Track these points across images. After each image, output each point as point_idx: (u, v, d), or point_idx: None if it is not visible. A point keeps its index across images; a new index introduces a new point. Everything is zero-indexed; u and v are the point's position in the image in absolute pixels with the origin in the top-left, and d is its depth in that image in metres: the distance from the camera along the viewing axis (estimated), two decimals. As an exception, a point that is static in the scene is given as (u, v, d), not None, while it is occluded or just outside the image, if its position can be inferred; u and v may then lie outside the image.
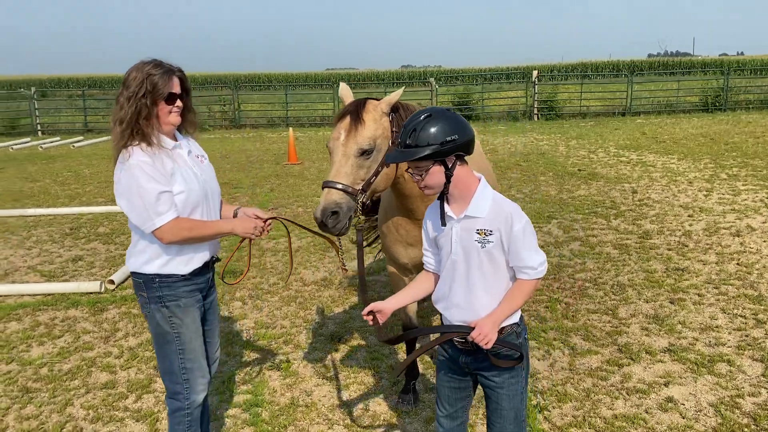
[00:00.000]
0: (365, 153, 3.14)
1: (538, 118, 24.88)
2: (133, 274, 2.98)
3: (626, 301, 5.84)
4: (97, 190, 12.43)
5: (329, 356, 4.94)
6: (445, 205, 2.70)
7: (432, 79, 26.42)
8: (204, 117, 25.66)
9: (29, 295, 6.37)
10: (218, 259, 3.24)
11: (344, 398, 4.31)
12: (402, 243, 3.92)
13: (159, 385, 4.53)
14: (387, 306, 2.78)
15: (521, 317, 2.78)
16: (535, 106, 24.99)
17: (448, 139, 2.48)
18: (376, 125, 3.17)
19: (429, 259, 2.86)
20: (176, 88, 2.91)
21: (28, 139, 22.71)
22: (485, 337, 2.51)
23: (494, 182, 4.60)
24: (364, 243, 5.05)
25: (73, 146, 19.99)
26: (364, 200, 3.15)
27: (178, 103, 2.93)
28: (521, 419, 2.84)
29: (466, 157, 2.63)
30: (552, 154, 15.10)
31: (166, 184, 2.84)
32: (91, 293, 6.36)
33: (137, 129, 2.82)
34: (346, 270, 3.22)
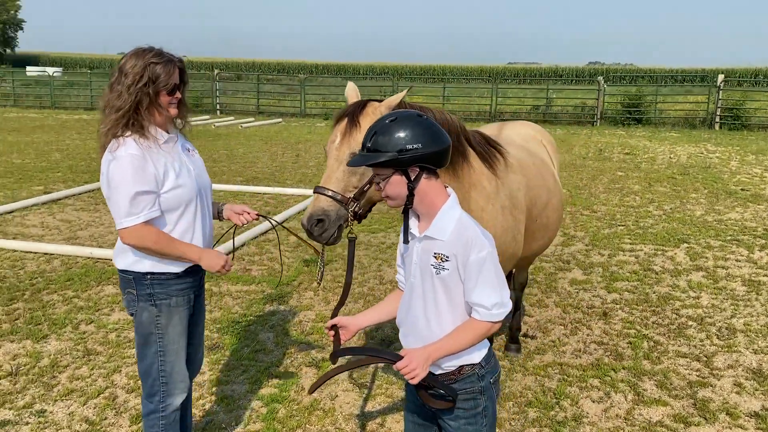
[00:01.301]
0: None
1: (720, 127, 22.49)
2: (121, 272, 2.94)
3: (730, 349, 5.04)
4: (241, 169, 13.21)
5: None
6: (413, 221, 2.46)
7: (600, 78, 24.86)
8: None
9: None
10: None
11: (365, 409, 4.14)
12: (421, 256, 3.66)
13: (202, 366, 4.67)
14: (353, 323, 2.59)
15: (489, 358, 2.45)
16: (718, 113, 22.61)
17: (409, 147, 2.22)
18: None
19: (400, 277, 2.62)
20: (176, 79, 2.85)
21: (207, 117, 24.82)
22: (412, 371, 2.22)
23: (550, 186, 4.15)
24: None
25: (242, 126, 21.49)
26: (356, 209, 2.95)
27: (177, 94, 2.90)
28: None
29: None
30: (717, 170, 13.54)
31: (150, 185, 2.76)
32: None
33: (134, 119, 2.78)
34: (319, 284, 3.04)
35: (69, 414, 4.00)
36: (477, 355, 2.40)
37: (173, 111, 2.90)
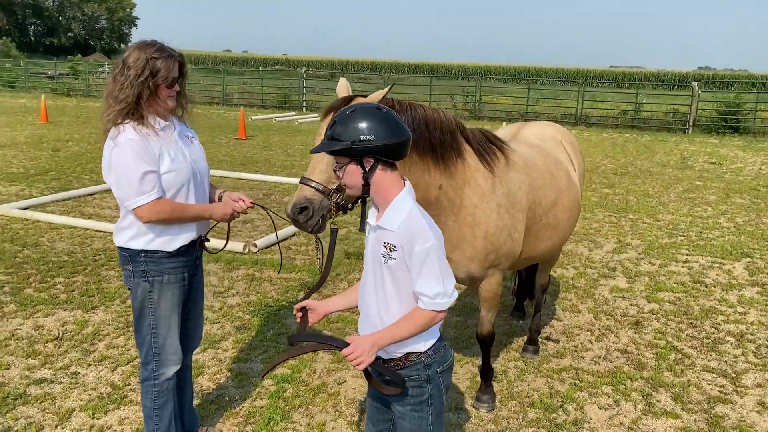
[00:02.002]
0: None
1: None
2: (120, 248, 3.19)
3: (764, 368, 4.80)
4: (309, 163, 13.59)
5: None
6: (372, 211, 2.57)
7: (695, 84, 23.68)
8: (447, 106, 26.39)
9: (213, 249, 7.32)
10: (207, 239, 3.42)
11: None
12: (417, 249, 3.75)
13: (226, 343, 4.96)
14: (321, 307, 2.70)
15: (438, 348, 2.52)
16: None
17: (362, 138, 2.32)
18: None
19: None
20: (176, 72, 3.08)
21: (293, 113, 25.62)
22: (357, 358, 2.32)
23: (561, 185, 4.12)
24: None
25: (297, 122, 22.04)
26: (338, 200, 3.06)
27: (176, 87, 3.14)
28: None
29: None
30: (808, 183, 12.67)
31: (153, 165, 3.00)
32: (236, 252, 7.10)
33: (135, 110, 3.01)
34: (320, 271, 3.16)
35: (98, 377, 4.36)
36: (423, 344, 2.48)
37: (171, 103, 3.12)
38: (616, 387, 4.49)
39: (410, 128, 3.20)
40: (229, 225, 3.54)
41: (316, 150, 2.50)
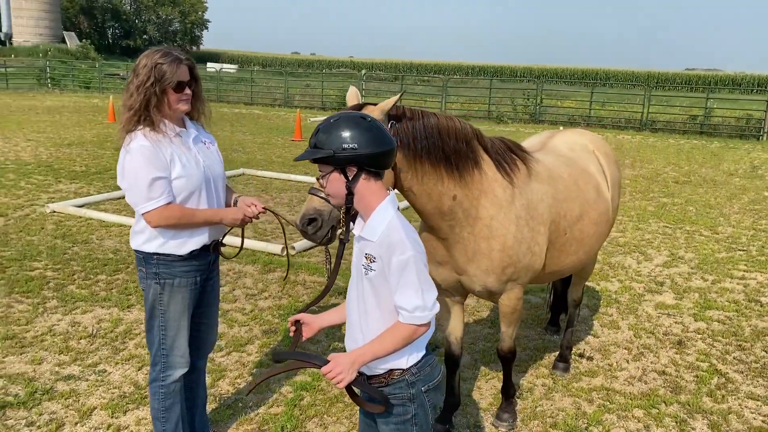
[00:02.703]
0: None
1: None
2: (135, 251, 3.25)
3: (816, 397, 4.46)
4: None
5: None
6: (359, 220, 2.49)
7: (771, 88, 22.45)
8: (505, 109, 25.98)
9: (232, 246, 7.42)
10: (222, 244, 3.43)
11: (386, 408, 4.19)
12: (432, 260, 3.64)
13: (252, 346, 4.97)
14: (316, 321, 2.64)
15: (423, 366, 2.42)
16: None
17: (345, 146, 2.27)
18: None
19: None
20: (184, 77, 3.10)
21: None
22: (336, 375, 2.26)
23: (588, 198, 3.94)
24: None
25: None
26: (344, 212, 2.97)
27: (187, 91, 3.14)
28: None
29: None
30: None
31: (163, 171, 3.03)
32: (273, 254, 7.15)
33: (145, 116, 3.05)
34: (327, 278, 3.08)
35: (123, 376, 4.45)
36: (406, 361, 2.39)
37: (183, 107, 3.13)
38: (648, 411, 4.25)
39: (422, 137, 3.13)
40: (243, 229, 3.53)
41: (300, 158, 2.45)
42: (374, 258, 2.31)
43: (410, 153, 3.09)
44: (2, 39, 66.48)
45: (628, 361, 4.97)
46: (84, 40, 64.15)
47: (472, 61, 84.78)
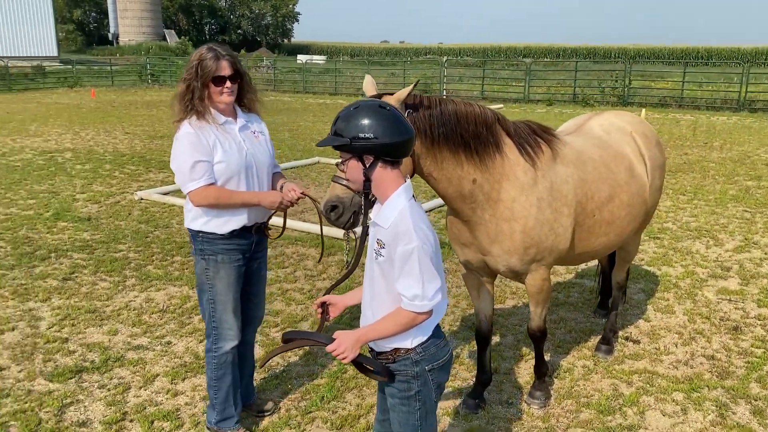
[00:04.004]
0: None
1: None
2: (187, 228, 3.59)
3: None
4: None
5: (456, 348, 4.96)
6: (376, 205, 2.65)
7: None
8: (593, 92, 25.22)
9: (300, 231, 7.79)
10: (269, 227, 3.68)
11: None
12: (457, 241, 3.78)
13: (305, 324, 5.28)
14: (341, 301, 2.79)
15: (428, 346, 2.55)
16: None
17: (361, 136, 2.38)
18: None
19: None
20: (224, 71, 3.36)
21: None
22: (341, 353, 2.44)
23: (619, 180, 3.93)
24: None
25: None
26: (370, 198, 3.09)
27: (228, 84, 3.40)
28: None
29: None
30: None
31: (205, 155, 3.33)
32: (336, 238, 7.45)
33: (191, 106, 3.36)
34: (347, 267, 3.24)
35: (185, 348, 4.86)
36: (411, 341, 2.52)
37: (225, 98, 3.41)
38: (689, 395, 4.21)
39: (439, 124, 3.24)
40: (285, 213, 3.76)
41: (320, 144, 2.64)
42: (384, 244, 2.44)
43: (428, 140, 3.22)
44: (110, 39, 70.92)
45: (676, 346, 4.90)
46: (182, 37, 67.42)
47: (563, 42, 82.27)
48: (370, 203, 2.69)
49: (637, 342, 4.97)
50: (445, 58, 28.15)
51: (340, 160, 2.59)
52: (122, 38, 68.51)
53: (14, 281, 6.14)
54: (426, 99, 3.27)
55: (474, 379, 4.18)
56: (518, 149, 3.53)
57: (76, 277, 6.30)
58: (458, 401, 4.13)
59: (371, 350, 2.62)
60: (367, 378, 4.25)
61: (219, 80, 3.36)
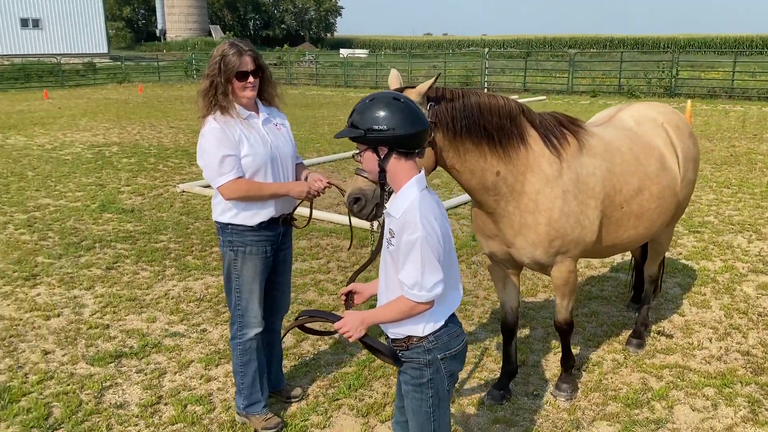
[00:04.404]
0: None
1: None
2: (215, 221, 3.70)
3: None
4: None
5: (484, 341, 4.98)
6: (393, 196, 2.70)
7: None
8: (639, 83, 24.69)
9: (332, 222, 7.90)
10: (294, 218, 3.77)
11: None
12: (481, 233, 3.80)
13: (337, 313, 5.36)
14: (366, 289, 2.87)
15: (441, 336, 2.60)
16: None
17: (375, 128, 2.44)
18: None
19: None
20: (247, 67, 3.45)
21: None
22: (347, 331, 2.54)
23: (649, 172, 3.88)
24: None
25: None
26: (391, 190, 3.12)
27: (251, 79, 3.50)
28: None
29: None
30: None
31: (232, 149, 3.42)
32: (365, 230, 7.52)
33: (215, 102, 3.46)
34: (371, 252, 3.32)
35: (220, 335, 5.00)
36: (422, 329, 2.57)
37: (248, 93, 3.50)
38: (720, 390, 4.15)
39: (461, 116, 3.26)
40: (311, 203, 3.83)
41: (337, 135, 2.70)
42: (394, 233, 2.50)
43: (450, 132, 3.24)
44: (158, 35, 72.48)
45: (710, 341, 4.81)
46: (227, 32, 68.42)
47: (610, 33, 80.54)
48: (387, 194, 2.75)
49: (670, 336, 4.91)
50: (486, 50, 27.93)
51: (356, 151, 2.66)
52: (169, 34, 69.95)
53: (61, 270, 6.40)
54: (449, 92, 3.29)
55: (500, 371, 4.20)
56: (543, 141, 3.53)
57: (119, 266, 6.53)
58: (484, 393, 4.16)
59: (387, 338, 2.68)
60: (393, 366, 4.35)
61: (242, 75, 3.44)
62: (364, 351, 4.69)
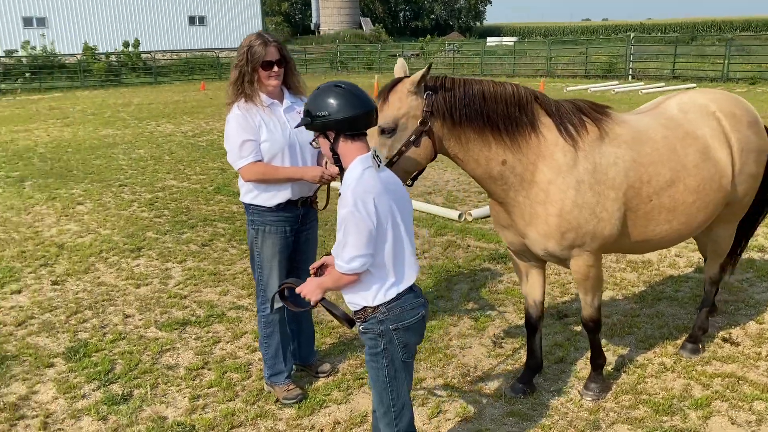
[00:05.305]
0: (385, 132, 3.15)
1: None
2: (241, 201, 3.96)
3: None
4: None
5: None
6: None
7: None
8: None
9: (416, 210, 8.00)
10: (315, 201, 3.95)
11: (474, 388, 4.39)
12: (497, 223, 3.75)
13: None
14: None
15: (394, 308, 2.72)
16: None
17: (318, 114, 2.66)
18: (399, 104, 3.15)
19: None
20: (272, 57, 3.65)
21: (616, 82, 24.37)
22: (306, 294, 2.76)
23: (686, 163, 3.64)
24: None
25: (642, 92, 20.57)
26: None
27: (275, 68, 3.71)
28: (389, 408, 2.84)
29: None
30: None
31: (252, 134, 3.66)
32: (451, 219, 7.55)
33: (241, 90, 3.71)
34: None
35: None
36: (372, 299, 2.71)
37: (273, 82, 3.72)
38: None
39: (461, 105, 3.25)
40: (328, 187, 3.97)
41: (295, 126, 2.95)
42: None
43: (449, 121, 3.23)
44: (312, 29, 75.87)
45: (782, 352, 4.37)
46: (376, 25, 70.05)
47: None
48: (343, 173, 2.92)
49: (736, 344, 4.51)
50: (632, 35, 26.33)
51: (313, 138, 2.83)
52: (323, 27, 72.91)
53: (163, 245, 7.09)
54: (449, 81, 3.28)
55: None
56: (558, 129, 3.41)
57: (213, 243, 7.11)
58: (508, 385, 4.10)
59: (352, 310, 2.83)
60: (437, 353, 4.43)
61: (267, 65, 3.65)
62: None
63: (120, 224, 7.91)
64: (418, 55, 39.03)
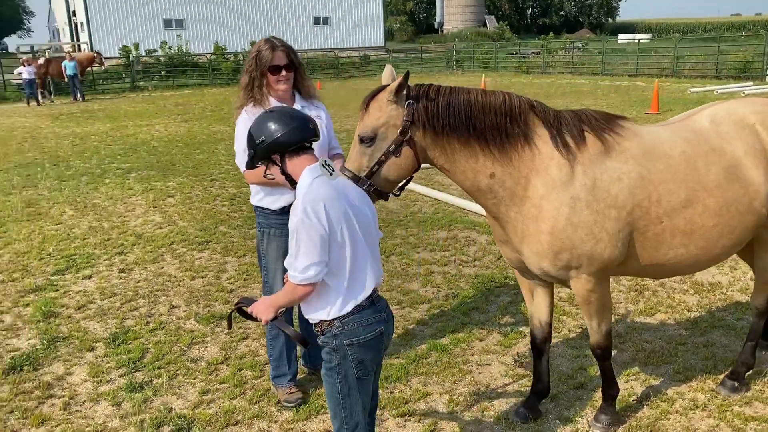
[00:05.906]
0: (364, 141, 3.08)
1: None
2: (251, 203, 4.04)
3: None
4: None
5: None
6: None
7: None
8: None
9: (480, 214, 7.79)
10: None
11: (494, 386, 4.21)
12: (497, 238, 3.57)
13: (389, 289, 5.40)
14: None
15: (349, 323, 2.68)
16: None
17: (258, 141, 2.70)
18: (379, 113, 3.05)
19: None
20: (280, 61, 3.70)
21: (749, 84, 22.43)
22: (257, 314, 2.74)
23: (707, 182, 3.31)
24: None
25: (743, 93, 18.79)
26: (367, 189, 3.06)
27: (283, 73, 3.75)
28: (342, 425, 2.82)
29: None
30: None
31: None
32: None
33: (251, 94, 3.79)
34: None
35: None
36: (327, 313, 2.68)
37: (282, 86, 3.76)
38: None
39: (444, 115, 3.10)
40: None
41: (246, 167, 2.96)
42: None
43: (431, 131, 3.10)
44: (436, 27, 75.95)
45: (842, 399, 3.83)
46: (501, 22, 68.87)
47: None
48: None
49: (787, 385, 4.01)
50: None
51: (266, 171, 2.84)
52: (446, 26, 72.78)
53: (230, 239, 7.40)
54: (433, 90, 3.12)
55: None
56: (554, 143, 3.18)
57: (275, 241, 7.31)
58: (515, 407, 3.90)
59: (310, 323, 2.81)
60: (448, 370, 4.30)
61: (275, 69, 3.71)
62: (422, 347, 4.70)
63: (198, 217, 8.35)
64: (538, 53, 37.94)
